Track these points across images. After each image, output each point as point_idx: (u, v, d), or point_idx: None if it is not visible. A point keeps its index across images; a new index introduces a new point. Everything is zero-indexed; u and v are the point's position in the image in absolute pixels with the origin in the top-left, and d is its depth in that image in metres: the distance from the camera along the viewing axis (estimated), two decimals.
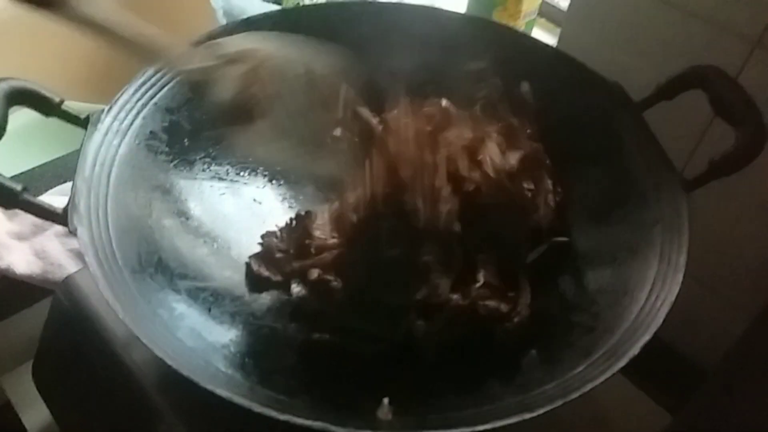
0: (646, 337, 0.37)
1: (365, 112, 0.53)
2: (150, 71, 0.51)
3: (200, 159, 0.54)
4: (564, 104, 0.53)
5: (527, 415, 0.33)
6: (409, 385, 0.41)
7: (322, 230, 0.50)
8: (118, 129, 0.48)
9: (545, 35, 0.85)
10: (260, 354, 0.42)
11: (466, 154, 0.49)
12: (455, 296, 0.44)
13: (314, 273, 0.47)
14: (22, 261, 0.63)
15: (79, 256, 0.64)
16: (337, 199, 0.53)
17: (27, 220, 0.65)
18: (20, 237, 0.65)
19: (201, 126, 0.54)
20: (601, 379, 0.35)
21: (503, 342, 0.43)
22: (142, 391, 0.47)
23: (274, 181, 0.57)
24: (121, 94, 0.49)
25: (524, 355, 0.43)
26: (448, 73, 0.58)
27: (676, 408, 0.57)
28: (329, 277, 0.46)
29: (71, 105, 0.46)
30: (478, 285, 0.44)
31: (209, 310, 0.45)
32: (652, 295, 0.40)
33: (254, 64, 0.44)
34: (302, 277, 0.48)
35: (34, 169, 0.70)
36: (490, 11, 0.77)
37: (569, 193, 0.49)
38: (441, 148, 0.50)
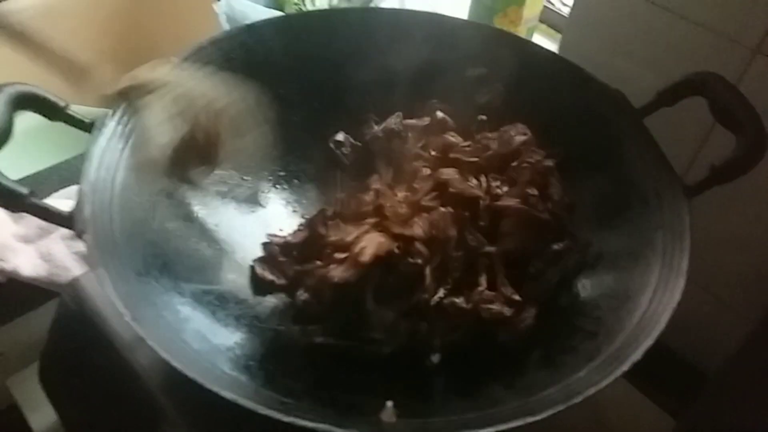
0: (649, 342, 0.37)
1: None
2: None
3: None
4: (565, 110, 0.53)
5: (530, 419, 0.33)
6: (412, 388, 0.41)
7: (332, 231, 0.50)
8: (122, 133, 0.48)
9: (546, 41, 0.86)
10: (265, 356, 0.43)
11: (474, 169, 0.50)
12: (458, 300, 0.44)
13: (316, 278, 0.47)
14: (28, 264, 0.63)
15: (84, 258, 0.65)
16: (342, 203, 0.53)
17: (33, 223, 0.66)
18: (26, 240, 0.65)
19: None
20: (604, 383, 0.35)
21: (506, 346, 0.44)
22: (148, 393, 0.48)
23: (277, 186, 0.57)
24: None
25: (527, 359, 0.43)
26: (449, 78, 0.58)
27: (679, 411, 0.58)
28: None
29: (76, 109, 0.47)
30: (480, 289, 0.44)
31: (214, 313, 0.45)
32: (655, 300, 0.40)
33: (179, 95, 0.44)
34: (305, 281, 0.48)
35: (39, 172, 0.70)
36: (492, 17, 0.77)
37: (571, 199, 0.49)
38: (445, 162, 0.51)
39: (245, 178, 0.56)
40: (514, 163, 0.49)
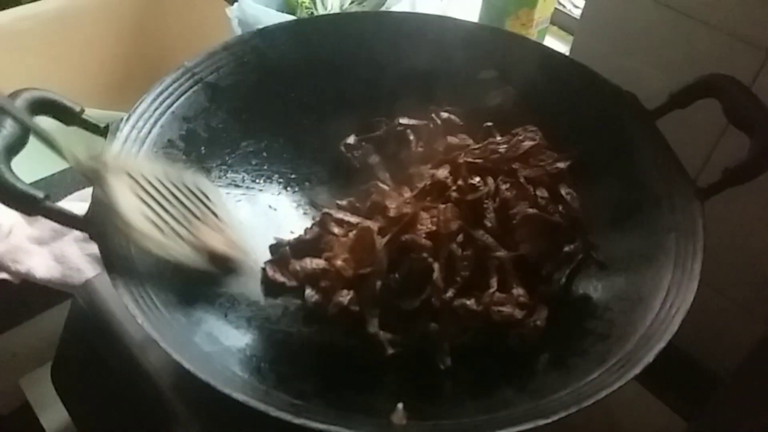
0: (661, 345, 0.37)
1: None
2: (168, 80, 0.52)
3: (217, 166, 0.54)
4: (577, 112, 0.53)
5: (541, 422, 0.33)
6: (423, 391, 0.41)
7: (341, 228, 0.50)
8: (136, 137, 0.49)
9: (558, 43, 0.86)
10: (276, 358, 0.43)
11: (480, 170, 0.50)
12: (469, 302, 0.44)
13: (326, 280, 0.47)
14: (41, 265, 0.64)
15: (97, 260, 0.65)
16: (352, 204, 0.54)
17: (47, 225, 0.66)
18: (40, 242, 0.66)
19: (217, 134, 0.55)
20: (616, 386, 0.35)
21: (517, 348, 0.43)
22: (159, 394, 0.48)
23: (288, 188, 0.57)
24: (140, 103, 0.50)
25: (538, 361, 0.43)
26: (460, 81, 0.58)
27: (691, 415, 0.57)
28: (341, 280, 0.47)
29: (91, 113, 0.47)
30: (491, 290, 0.44)
31: (225, 314, 0.45)
32: (667, 302, 0.40)
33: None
34: (315, 282, 0.48)
35: (53, 175, 0.71)
36: (503, 20, 0.77)
37: (583, 201, 0.49)
38: (450, 163, 0.51)
39: (257, 181, 0.56)
40: (525, 166, 0.49)
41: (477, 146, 0.52)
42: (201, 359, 0.38)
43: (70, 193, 0.69)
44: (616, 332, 0.41)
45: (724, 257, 0.56)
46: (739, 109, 0.44)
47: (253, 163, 0.57)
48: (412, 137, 0.56)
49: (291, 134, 0.58)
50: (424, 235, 0.45)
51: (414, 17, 0.62)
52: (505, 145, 0.50)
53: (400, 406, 0.37)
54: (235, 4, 0.78)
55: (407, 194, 0.51)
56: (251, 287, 0.49)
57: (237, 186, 0.55)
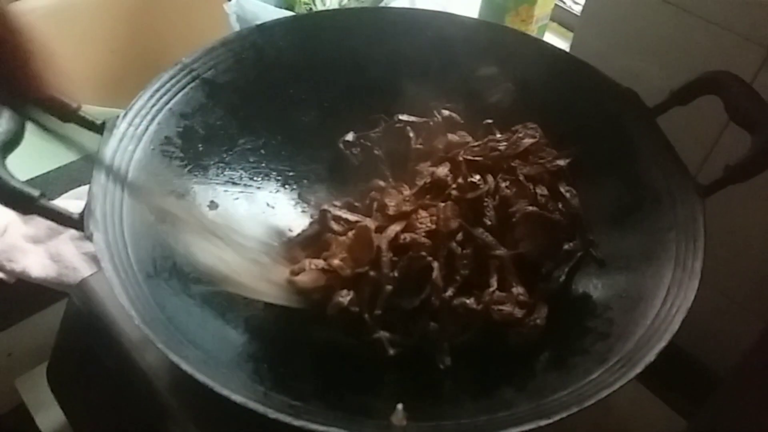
0: (662, 344, 0.37)
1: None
2: (165, 77, 0.52)
3: (214, 164, 0.54)
4: (577, 109, 0.53)
5: (543, 422, 0.33)
6: (423, 391, 0.41)
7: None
8: (133, 134, 0.49)
9: (557, 40, 0.85)
10: (274, 359, 0.42)
11: (479, 168, 0.49)
12: (469, 300, 0.44)
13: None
14: (37, 264, 0.63)
15: (93, 259, 0.65)
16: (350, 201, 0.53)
17: (42, 223, 0.66)
18: (35, 240, 0.65)
19: (215, 131, 0.54)
20: (617, 386, 0.35)
21: (517, 348, 0.43)
22: (156, 393, 0.48)
23: (286, 186, 0.57)
24: (137, 100, 0.50)
25: (538, 361, 0.43)
26: (460, 77, 0.58)
27: (692, 413, 0.57)
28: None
29: (87, 110, 0.47)
30: (491, 289, 0.44)
31: (223, 314, 0.45)
32: (668, 301, 0.40)
33: None
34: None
35: (49, 172, 0.71)
36: (503, 16, 0.77)
37: (583, 199, 0.48)
38: (449, 161, 0.50)
39: (255, 179, 0.56)
40: (524, 164, 0.48)
41: (477, 143, 0.52)
42: (198, 360, 0.37)
43: (66, 191, 0.69)
44: (617, 331, 0.41)
45: (723, 256, 0.56)
46: (741, 106, 0.44)
47: (251, 160, 0.56)
48: (411, 134, 0.56)
49: (289, 131, 0.58)
50: (423, 234, 0.45)
51: (413, 13, 0.61)
52: (504, 143, 0.49)
53: (399, 406, 0.37)
54: (233, 0, 0.78)
55: (406, 192, 0.50)
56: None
57: (235, 184, 0.55)
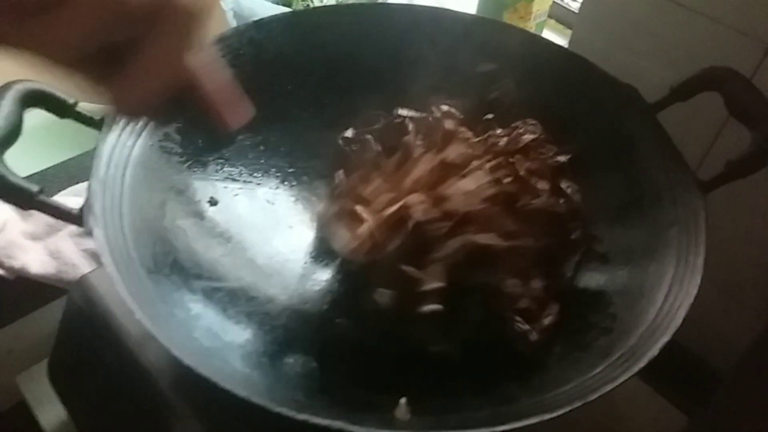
0: (665, 338, 0.37)
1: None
2: None
3: (213, 160, 0.54)
4: (577, 106, 0.53)
5: (546, 416, 0.33)
6: (426, 386, 0.41)
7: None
8: (132, 130, 0.48)
9: (555, 37, 0.85)
10: (276, 354, 0.42)
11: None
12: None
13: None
14: (36, 261, 0.63)
15: (92, 256, 0.65)
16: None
17: (41, 220, 0.66)
18: (34, 237, 0.65)
19: (214, 127, 0.54)
20: (621, 380, 0.35)
21: (521, 343, 0.43)
22: (157, 389, 0.47)
23: (286, 183, 0.57)
24: None
25: (542, 356, 0.43)
26: (459, 74, 0.58)
27: (693, 410, 0.57)
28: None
29: (84, 107, 0.46)
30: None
31: (225, 310, 0.44)
32: (670, 296, 0.40)
33: None
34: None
35: (47, 169, 0.70)
36: (501, 12, 0.77)
37: (584, 195, 0.48)
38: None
39: (254, 175, 0.56)
40: (525, 159, 0.48)
41: (477, 139, 0.52)
42: (201, 355, 0.37)
43: (64, 188, 0.68)
44: (620, 326, 0.41)
45: (724, 252, 0.56)
46: (741, 102, 0.44)
47: (250, 156, 0.56)
48: (411, 127, 0.56)
49: (288, 128, 0.58)
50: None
51: (412, 9, 0.61)
52: (505, 138, 0.49)
53: (403, 401, 0.37)
54: None
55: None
56: (250, 283, 0.48)
57: (234, 180, 0.54)
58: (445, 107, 0.56)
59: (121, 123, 0.47)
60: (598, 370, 0.37)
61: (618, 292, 0.44)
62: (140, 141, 0.48)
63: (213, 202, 0.52)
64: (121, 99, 0.27)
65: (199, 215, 0.50)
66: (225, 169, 0.54)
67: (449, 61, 0.57)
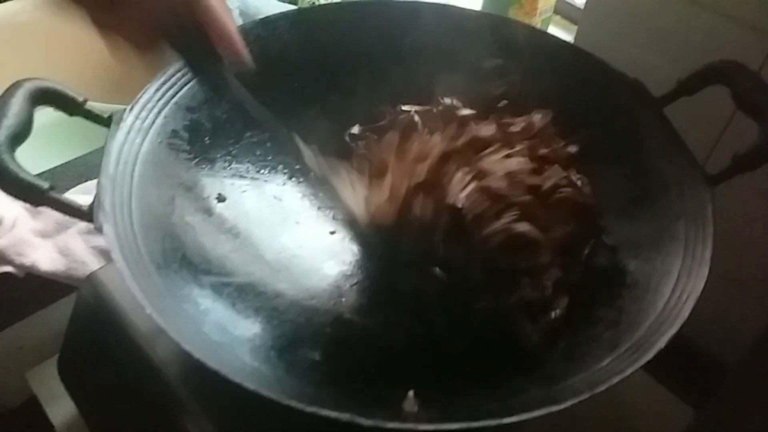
0: (673, 330, 0.37)
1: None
2: (170, 70, 0.52)
3: (221, 157, 0.54)
4: (583, 101, 0.53)
5: (554, 408, 0.33)
6: (434, 379, 0.41)
7: None
8: (140, 128, 0.49)
9: (561, 33, 0.85)
10: (285, 347, 0.43)
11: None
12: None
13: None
14: (46, 258, 0.63)
15: (102, 253, 0.65)
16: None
17: (50, 218, 0.66)
18: (44, 235, 0.66)
19: (221, 124, 0.54)
20: (628, 371, 0.35)
21: (528, 336, 0.43)
22: (167, 385, 0.48)
23: (293, 179, 0.57)
24: (143, 93, 0.50)
25: (548, 349, 0.43)
26: (465, 70, 0.58)
27: (700, 404, 0.57)
28: None
29: (93, 106, 0.47)
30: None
31: (234, 305, 0.45)
32: (677, 289, 0.40)
33: None
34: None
35: (55, 168, 0.71)
36: (506, 8, 0.77)
37: (592, 188, 0.49)
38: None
39: (261, 171, 0.56)
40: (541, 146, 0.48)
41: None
42: (211, 349, 0.38)
43: (73, 186, 0.69)
44: (627, 319, 0.41)
45: (731, 245, 0.56)
46: (748, 95, 0.44)
47: (258, 153, 0.56)
48: (417, 119, 0.56)
49: (294, 125, 0.57)
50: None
51: (417, 6, 0.61)
52: (521, 124, 0.49)
53: (410, 393, 0.37)
54: None
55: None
56: (258, 278, 0.49)
57: (242, 177, 0.55)
58: (448, 100, 0.56)
59: (130, 121, 0.48)
60: (606, 362, 0.37)
61: (625, 285, 0.44)
62: (148, 138, 0.49)
63: (221, 199, 0.52)
64: (126, 28, 0.30)
65: (208, 212, 0.51)
66: (232, 166, 0.55)
67: (455, 57, 0.58)
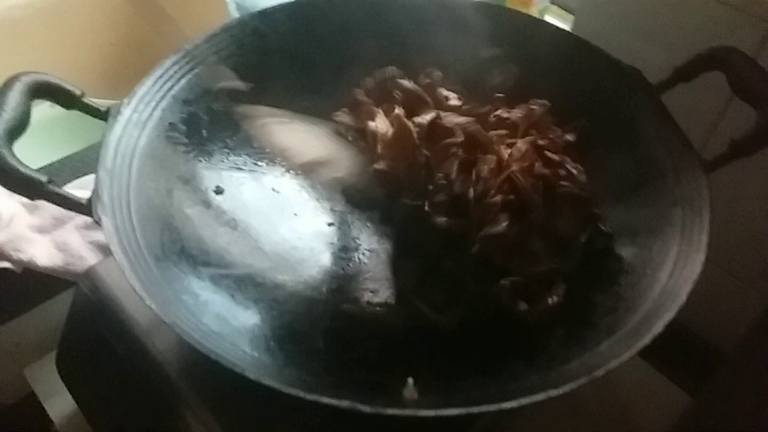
0: (670, 315, 0.37)
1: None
2: (167, 63, 0.52)
3: (219, 149, 0.54)
4: (581, 89, 0.53)
5: (553, 392, 0.33)
6: (433, 366, 0.41)
7: None
8: (137, 121, 0.49)
9: (558, 23, 0.85)
10: (285, 337, 0.43)
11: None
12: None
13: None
14: (43, 253, 0.63)
15: (99, 248, 0.65)
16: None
17: (47, 213, 0.66)
18: (41, 230, 0.66)
19: (218, 117, 0.54)
20: (626, 356, 0.35)
21: (526, 322, 0.43)
22: (166, 378, 0.48)
23: (291, 171, 0.57)
24: (140, 86, 0.50)
25: (547, 335, 0.43)
26: (463, 60, 0.58)
27: (696, 390, 0.57)
28: None
29: (92, 99, 0.47)
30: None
31: (233, 296, 0.45)
32: (674, 274, 0.40)
33: None
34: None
35: (52, 163, 0.71)
36: None
37: (589, 176, 0.49)
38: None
39: (259, 164, 0.56)
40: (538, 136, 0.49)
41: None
42: (211, 339, 0.38)
43: (69, 182, 0.69)
44: (624, 305, 0.41)
45: (727, 233, 0.56)
46: (745, 81, 0.44)
47: (255, 145, 0.56)
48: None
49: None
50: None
51: None
52: (519, 114, 0.49)
53: (410, 381, 0.37)
54: None
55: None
56: (257, 270, 0.49)
57: (240, 169, 0.55)
58: (445, 91, 0.56)
59: (127, 114, 0.48)
60: (604, 347, 0.37)
61: (623, 271, 0.44)
62: (146, 132, 0.49)
63: (219, 191, 0.52)
64: None
65: (206, 204, 0.51)
66: (230, 158, 0.55)
67: (453, 47, 0.58)
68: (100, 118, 0.47)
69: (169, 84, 0.52)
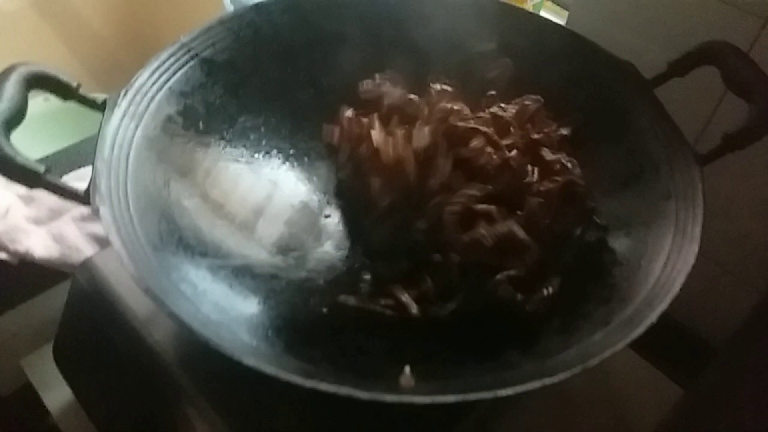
0: (663, 306, 0.37)
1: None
2: (164, 55, 0.52)
3: (215, 142, 0.54)
4: (576, 83, 0.53)
5: (547, 381, 0.34)
6: (430, 354, 0.41)
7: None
8: (134, 113, 0.49)
9: (553, 18, 0.85)
10: (283, 326, 0.43)
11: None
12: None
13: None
14: (40, 245, 0.63)
15: (96, 239, 0.65)
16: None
17: (44, 205, 0.66)
18: (37, 222, 0.66)
19: (215, 109, 0.54)
20: (620, 345, 0.35)
21: (522, 312, 0.44)
22: (164, 369, 0.48)
23: (287, 163, 0.57)
24: (137, 79, 0.50)
25: (542, 325, 0.43)
26: (458, 55, 0.58)
27: (688, 383, 0.58)
28: None
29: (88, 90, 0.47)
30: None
31: (231, 286, 0.45)
32: (668, 266, 0.40)
33: None
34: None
35: (49, 156, 0.71)
36: None
37: (584, 170, 0.49)
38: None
39: (256, 156, 0.56)
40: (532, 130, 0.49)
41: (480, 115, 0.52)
42: (210, 327, 0.38)
43: (66, 173, 0.69)
44: (618, 296, 0.42)
45: (717, 226, 0.57)
46: (738, 75, 0.45)
47: (252, 138, 0.56)
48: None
49: (288, 109, 0.58)
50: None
51: None
52: (513, 109, 0.50)
53: (407, 368, 0.38)
54: None
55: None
56: (254, 261, 0.49)
57: (236, 161, 0.55)
58: (439, 86, 0.56)
59: (124, 106, 0.48)
60: (598, 337, 0.38)
61: (617, 263, 0.45)
62: (143, 123, 0.49)
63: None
64: None
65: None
66: (227, 150, 0.55)
67: (448, 41, 0.58)
68: (97, 110, 0.47)
69: (165, 76, 0.52)
